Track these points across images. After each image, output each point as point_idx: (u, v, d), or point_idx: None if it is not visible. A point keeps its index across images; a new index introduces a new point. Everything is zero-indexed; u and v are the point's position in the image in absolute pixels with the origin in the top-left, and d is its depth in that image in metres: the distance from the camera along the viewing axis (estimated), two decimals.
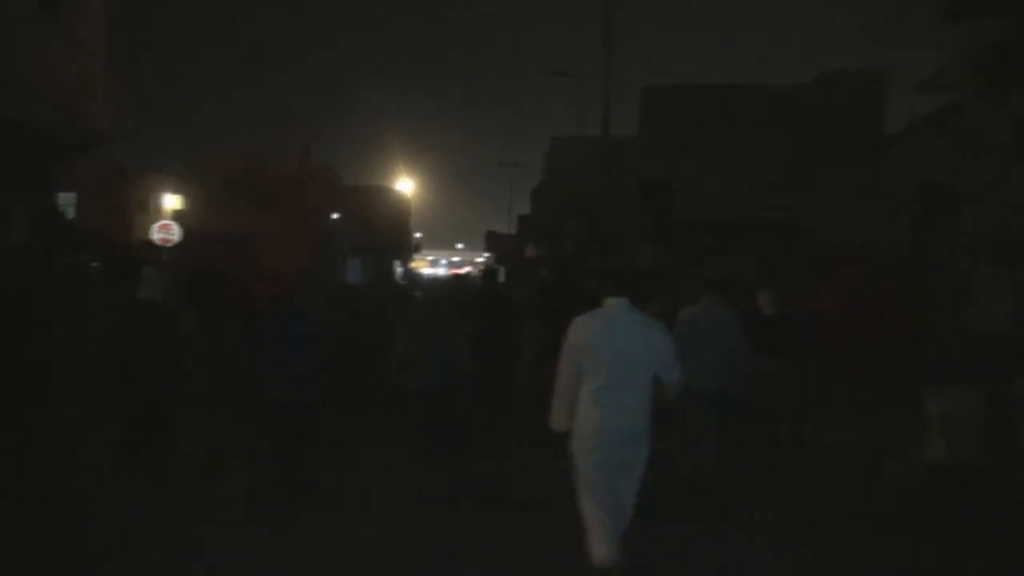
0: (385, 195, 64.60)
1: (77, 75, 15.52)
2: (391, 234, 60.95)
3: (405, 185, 68.17)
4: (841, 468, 7.14)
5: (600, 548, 4.15)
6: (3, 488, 5.69)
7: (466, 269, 56.22)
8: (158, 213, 40.51)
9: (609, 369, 4.13)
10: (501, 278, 30.16)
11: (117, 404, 5.73)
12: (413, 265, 67.43)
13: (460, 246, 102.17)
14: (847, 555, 5.08)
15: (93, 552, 4.88)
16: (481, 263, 67.06)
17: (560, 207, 32.92)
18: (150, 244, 19.86)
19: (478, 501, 5.82)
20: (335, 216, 52.88)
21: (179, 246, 19.19)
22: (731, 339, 6.33)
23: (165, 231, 19.38)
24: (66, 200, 39.03)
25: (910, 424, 5.12)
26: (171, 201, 44.13)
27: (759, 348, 7.07)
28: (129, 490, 5.59)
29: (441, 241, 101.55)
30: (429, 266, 75.64)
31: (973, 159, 13.11)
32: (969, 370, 5.09)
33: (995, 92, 12.81)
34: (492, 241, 45.92)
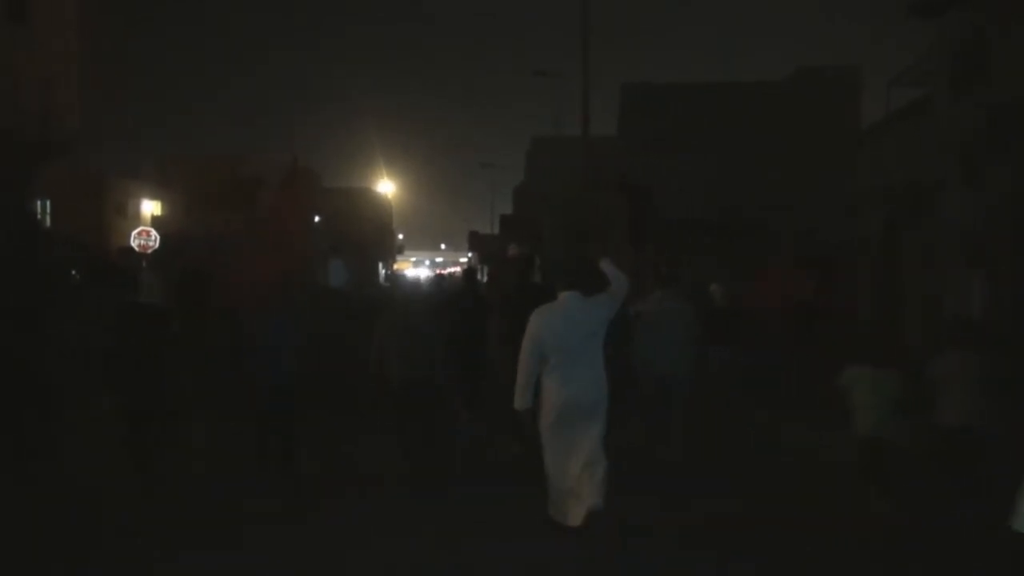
0: (367, 197, 64.36)
1: (46, 80, 15.39)
2: (373, 236, 60.76)
3: (387, 186, 67.99)
4: (783, 442, 7.83)
5: (552, 506, 4.89)
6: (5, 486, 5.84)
7: (451, 269, 56.22)
8: (137, 218, 40.15)
9: (566, 350, 4.72)
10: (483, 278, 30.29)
11: (109, 404, 5.84)
12: (397, 266, 67.26)
13: (443, 247, 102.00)
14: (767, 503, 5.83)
15: (94, 551, 4.91)
16: (465, 263, 66.93)
17: (541, 207, 32.98)
18: (129, 250, 19.76)
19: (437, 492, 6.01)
20: (316, 219, 52.69)
21: (161, 250, 19.15)
22: (683, 327, 6.89)
23: (144, 237, 19.24)
24: (41, 206, 38.63)
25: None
26: (149, 206, 43.74)
27: (711, 337, 7.92)
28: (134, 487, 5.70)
29: (424, 242, 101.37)
30: (412, 267, 75.44)
31: (948, 154, 13.28)
32: (886, 354, 5.59)
33: (964, 87, 12.99)
34: (475, 241, 45.87)
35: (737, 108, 23.94)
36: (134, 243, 19.02)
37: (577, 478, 4.68)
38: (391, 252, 69.12)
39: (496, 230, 47.08)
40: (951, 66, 13.09)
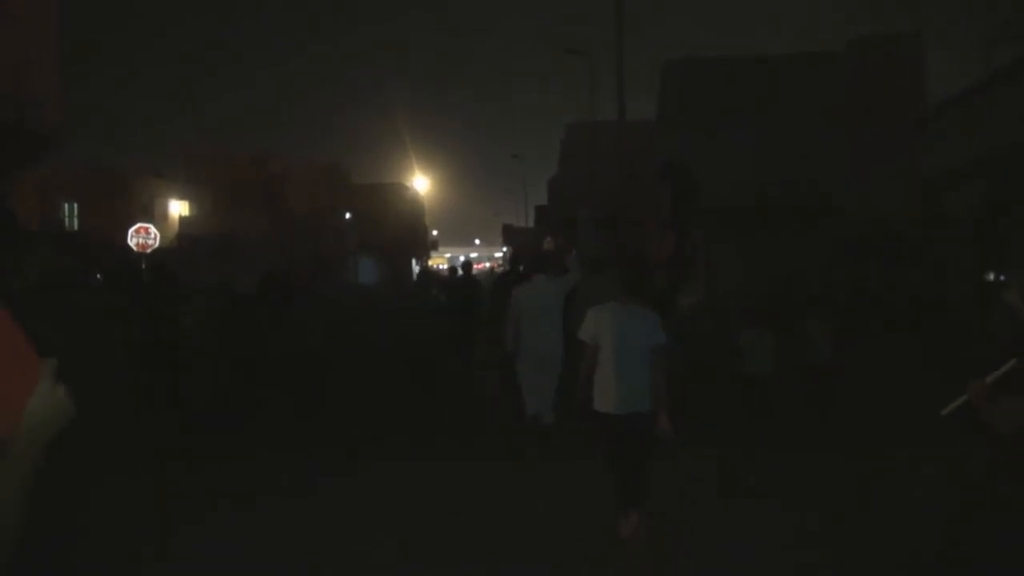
0: (398, 193, 62.99)
1: (23, 62, 13.96)
2: (405, 232, 59.37)
3: (420, 182, 66.50)
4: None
5: (529, 405, 6.78)
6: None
7: (483, 265, 55.18)
8: (164, 218, 39.29)
9: (532, 314, 6.71)
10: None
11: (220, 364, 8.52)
12: (431, 263, 66.00)
13: (477, 242, 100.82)
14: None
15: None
16: (500, 258, 65.69)
17: (576, 196, 31.06)
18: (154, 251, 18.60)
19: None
20: (348, 215, 51.48)
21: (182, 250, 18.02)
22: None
23: (142, 235, 17.70)
24: (68, 208, 38.09)
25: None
26: (177, 207, 42.85)
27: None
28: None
29: (458, 238, 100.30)
30: (447, 263, 74.22)
31: None
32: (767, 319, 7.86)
33: None
34: (509, 235, 44.28)
35: (789, 83, 21.55)
36: (131, 241, 17.52)
37: (539, 401, 6.66)
38: (424, 248, 67.76)
39: (530, 223, 45.39)
40: None
